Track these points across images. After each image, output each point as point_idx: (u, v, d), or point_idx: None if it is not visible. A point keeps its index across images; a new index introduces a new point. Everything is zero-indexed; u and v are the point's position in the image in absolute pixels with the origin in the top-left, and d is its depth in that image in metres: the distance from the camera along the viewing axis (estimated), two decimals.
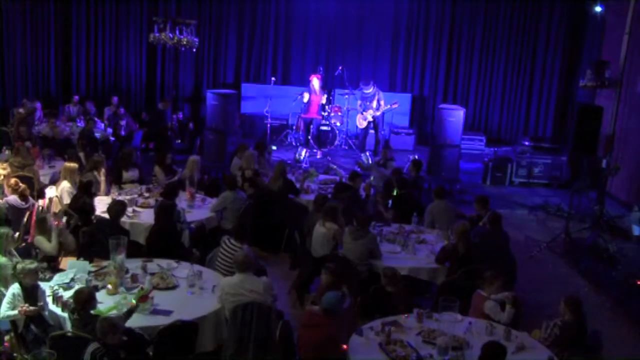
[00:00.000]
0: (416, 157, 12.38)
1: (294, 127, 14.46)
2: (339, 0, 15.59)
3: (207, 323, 5.62)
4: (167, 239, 7.03)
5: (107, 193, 8.86)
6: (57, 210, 8.29)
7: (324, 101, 13.87)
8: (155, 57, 16.28)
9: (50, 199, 8.49)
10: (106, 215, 7.23)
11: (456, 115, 12.95)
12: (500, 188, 13.19)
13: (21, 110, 12.93)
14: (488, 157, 13.98)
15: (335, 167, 12.36)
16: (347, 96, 14.18)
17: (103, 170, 9.09)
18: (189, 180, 9.10)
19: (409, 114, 15.58)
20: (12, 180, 8.13)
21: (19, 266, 5.58)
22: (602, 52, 13.84)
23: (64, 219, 7.41)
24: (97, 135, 12.26)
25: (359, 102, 13.59)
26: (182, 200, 8.34)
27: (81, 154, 10.76)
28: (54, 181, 9.46)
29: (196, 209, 8.45)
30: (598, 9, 13.07)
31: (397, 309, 5.84)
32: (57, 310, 5.52)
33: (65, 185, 8.55)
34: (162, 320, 5.37)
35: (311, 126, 13.79)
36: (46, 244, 6.76)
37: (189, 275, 6.08)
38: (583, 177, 11.15)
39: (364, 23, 15.77)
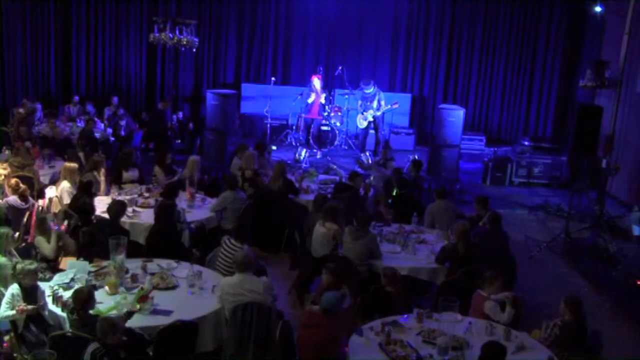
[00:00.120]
0: (416, 157, 12.38)
1: (294, 127, 14.45)
2: (339, 0, 15.59)
3: (207, 323, 5.62)
4: (167, 239, 7.03)
5: (107, 193, 8.86)
6: (57, 211, 8.30)
7: (323, 101, 13.87)
8: (155, 57, 16.27)
9: (50, 199, 8.49)
10: (106, 215, 7.23)
11: (456, 115, 12.96)
12: (500, 188, 13.19)
13: (21, 110, 12.94)
14: (488, 157, 13.98)
15: (335, 167, 12.36)
16: (347, 96, 14.18)
17: (103, 171, 9.10)
18: (189, 180, 9.10)
19: (409, 114, 15.58)
20: (13, 181, 8.13)
21: (19, 266, 5.57)
22: (602, 52, 13.84)
23: (65, 222, 7.37)
24: (97, 135, 12.26)
25: (360, 102, 13.58)
26: (182, 200, 8.34)
27: (81, 154, 10.76)
28: (54, 181, 9.46)
29: (196, 209, 8.45)
30: (598, 9, 13.06)
31: (397, 309, 5.84)
32: (57, 310, 5.52)
33: (65, 185, 8.56)
34: (162, 320, 5.37)
35: (312, 126, 13.78)
36: (45, 246, 6.74)
37: (189, 275, 6.08)
38: (583, 177, 11.14)
39: (364, 23, 15.77)
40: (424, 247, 7.50)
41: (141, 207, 8.26)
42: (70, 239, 7.13)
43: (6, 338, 5.61)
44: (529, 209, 11.93)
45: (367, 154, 13.08)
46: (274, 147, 13.39)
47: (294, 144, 14.21)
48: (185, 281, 6.07)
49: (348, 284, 6.01)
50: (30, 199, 8.09)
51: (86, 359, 4.63)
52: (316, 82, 13.81)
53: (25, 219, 7.71)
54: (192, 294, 5.95)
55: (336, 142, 13.92)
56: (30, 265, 5.61)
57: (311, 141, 13.79)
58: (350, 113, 14.21)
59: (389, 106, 13.45)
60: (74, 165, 8.91)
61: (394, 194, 9.10)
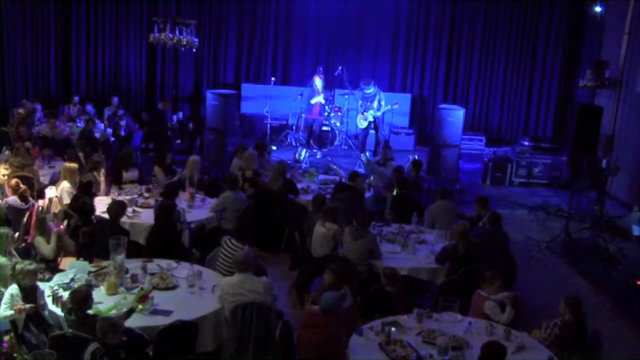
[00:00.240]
0: (416, 157, 12.38)
1: (294, 127, 14.45)
2: (339, 0, 15.59)
3: (207, 323, 5.62)
4: (167, 239, 7.03)
5: (107, 193, 8.86)
6: (57, 211, 8.30)
7: (323, 101, 13.87)
8: (155, 57, 16.28)
9: (50, 199, 8.49)
10: (106, 215, 7.23)
11: (456, 115, 12.96)
12: (500, 188, 13.19)
13: (21, 110, 12.95)
14: (488, 157, 13.99)
15: (335, 167, 12.36)
16: (347, 96, 14.18)
17: (103, 171, 9.10)
18: (189, 181, 9.10)
19: (409, 114, 15.58)
20: (13, 181, 8.13)
21: (18, 267, 5.57)
22: (602, 52, 13.85)
23: (65, 222, 7.36)
24: (97, 135, 12.26)
25: (360, 102, 13.58)
26: (182, 200, 8.34)
27: (80, 154, 10.76)
28: (53, 181, 9.46)
29: (196, 209, 8.45)
30: (598, 9, 13.07)
31: (397, 309, 5.84)
32: (57, 310, 5.51)
33: (65, 185, 8.56)
34: (162, 320, 5.37)
35: (314, 126, 13.76)
36: (44, 246, 6.72)
37: (189, 275, 6.08)
38: (583, 177, 11.14)
39: (364, 23, 15.77)
40: (424, 247, 7.49)
41: (141, 207, 8.26)
42: (69, 239, 7.13)
43: (6, 338, 5.60)
44: (529, 209, 11.94)
45: (367, 154, 13.09)
46: (274, 147, 13.39)
47: (294, 144, 14.21)
48: (185, 281, 6.07)
49: (348, 284, 6.01)
50: (30, 199, 8.09)
51: (86, 359, 4.63)
52: (318, 81, 13.81)
53: (25, 219, 7.71)
54: (192, 294, 5.95)
55: (336, 142, 13.91)
56: (30, 265, 5.61)
57: (311, 141, 13.78)
58: (350, 113, 14.21)
59: (389, 106, 13.44)
60: (74, 165, 8.91)
61: (394, 193, 9.10)
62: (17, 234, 7.09)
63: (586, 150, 10.17)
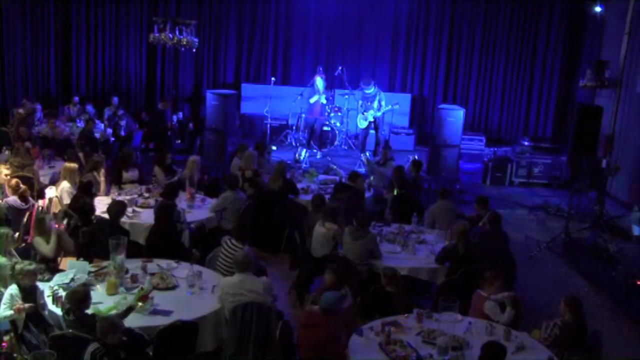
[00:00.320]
0: (416, 157, 12.39)
1: (294, 127, 14.45)
2: (339, 0, 15.59)
3: (207, 323, 5.62)
4: (167, 239, 7.03)
5: (107, 193, 8.86)
6: (57, 211, 8.30)
7: (324, 101, 13.87)
8: (155, 57, 16.29)
9: (50, 199, 8.49)
10: (106, 215, 7.22)
11: (456, 115, 12.96)
12: (500, 188, 13.20)
13: (21, 110, 12.95)
14: (488, 157, 13.99)
15: (335, 167, 12.37)
16: (347, 96, 14.18)
17: (102, 171, 9.10)
18: (189, 181, 9.10)
19: (408, 114, 15.58)
20: (13, 181, 8.13)
21: (18, 267, 5.57)
22: (602, 52, 13.85)
23: (64, 221, 7.36)
24: (97, 135, 12.26)
25: (360, 102, 13.58)
26: (182, 201, 8.34)
27: (80, 155, 10.76)
28: (53, 181, 9.46)
29: (196, 209, 8.44)
30: (598, 9, 13.07)
31: (397, 309, 5.84)
32: (57, 310, 5.51)
33: (65, 185, 8.56)
34: (162, 320, 5.37)
35: (315, 126, 13.75)
36: (44, 246, 6.70)
37: (189, 275, 6.08)
38: (583, 177, 11.14)
39: (364, 23, 15.77)
40: (424, 247, 7.49)
41: (141, 207, 8.26)
42: (68, 238, 7.12)
43: (6, 338, 5.60)
44: (529, 209, 11.94)
45: (367, 154, 13.09)
46: (274, 147, 13.39)
47: (294, 144, 14.21)
48: (185, 281, 6.07)
49: (348, 284, 6.01)
50: (30, 199, 8.09)
51: (86, 359, 4.63)
52: (319, 81, 13.81)
53: (25, 220, 7.71)
54: (192, 294, 5.95)
55: (336, 142, 13.91)
56: (29, 265, 5.61)
57: (312, 141, 13.78)
58: (350, 113, 14.21)
59: (390, 107, 13.44)
60: (73, 165, 8.91)
61: (394, 193, 9.10)
62: (17, 234, 7.09)
63: (586, 150, 10.17)
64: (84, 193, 8.02)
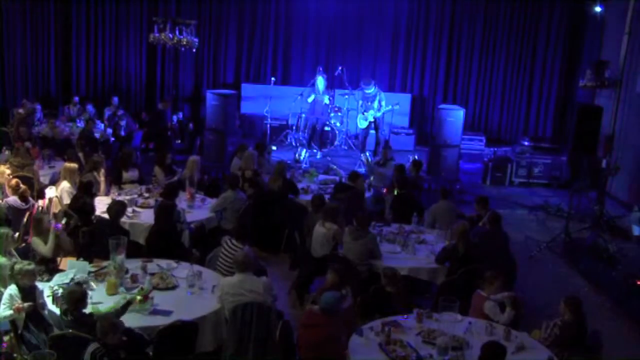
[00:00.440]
0: (416, 157, 12.38)
1: (294, 127, 14.45)
2: (339, 0, 15.59)
3: (207, 323, 5.62)
4: (167, 239, 7.03)
5: (107, 193, 8.86)
6: (57, 211, 8.30)
7: (327, 101, 13.86)
8: (155, 57, 16.28)
9: (50, 199, 8.49)
10: (106, 215, 7.22)
11: (456, 115, 12.96)
12: (500, 188, 13.20)
13: (21, 110, 12.96)
14: (488, 157, 13.98)
15: (335, 167, 12.36)
16: (347, 96, 14.18)
17: (102, 171, 9.10)
18: (188, 181, 9.10)
19: (409, 114, 15.58)
20: (13, 181, 8.13)
21: (17, 267, 5.56)
22: (602, 52, 13.85)
23: (63, 221, 7.33)
24: (97, 135, 12.26)
25: (360, 102, 13.57)
26: (182, 201, 8.34)
27: (80, 154, 10.76)
28: (54, 181, 9.46)
29: (196, 209, 8.45)
30: (598, 9, 13.07)
31: (397, 309, 5.84)
32: (57, 310, 5.50)
33: (65, 185, 8.56)
34: (162, 320, 5.37)
35: (317, 126, 13.75)
36: (42, 247, 6.66)
37: (189, 275, 6.08)
38: (583, 177, 11.15)
39: (364, 23, 15.77)
40: (424, 247, 7.49)
41: (141, 207, 8.26)
42: (67, 237, 7.11)
43: (6, 338, 5.60)
44: (529, 209, 11.94)
45: (367, 154, 13.08)
46: (274, 147, 13.39)
47: (294, 144, 14.21)
48: (185, 281, 6.07)
49: (349, 284, 6.01)
50: (30, 199, 8.09)
51: (86, 359, 4.63)
52: (320, 81, 13.82)
53: (25, 220, 7.70)
54: (192, 294, 5.95)
55: (336, 142, 13.91)
56: (28, 265, 5.60)
57: (313, 142, 13.78)
58: (350, 113, 14.21)
59: (390, 107, 13.44)
60: (73, 165, 8.91)
61: (394, 193, 9.10)
62: (17, 234, 7.08)
63: (586, 150, 10.17)
64: (84, 193, 8.02)
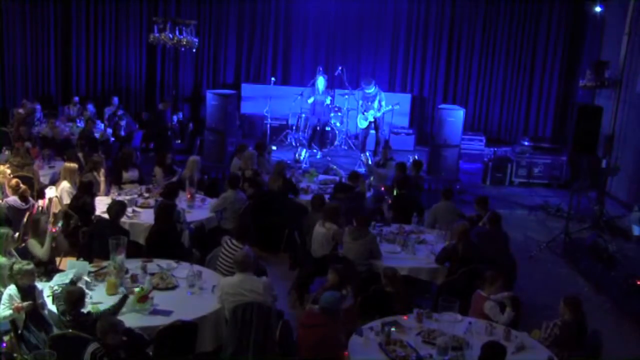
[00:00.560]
0: (416, 157, 12.38)
1: (294, 127, 14.46)
2: (339, 0, 15.59)
3: (207, 323, 5.62)
4: (167, 239, 7.03)
5: (107, 193, 8.86)
6: (56, 211, 8.30)
7: (328, 101, 13.86)
8: (155, 57, 16.28)
9: (50, 199, 8.49)
10: (106, 215, 7.22)
11: (456, 115, 12.95)
12: (500, 188, 13.19)
13: (21, 110, 12.96)
14: (488, 157, 13.98)
15: (335, 167, 12.36)
16: (347, 96, 14.18)
17: (102, 171, 9.11)
18: (188, 181, 9.10)
19: (409, 114, 15.57)
20: (13, 181, 8.13)
21: (16, 267, 5.56)
22: (602, 52, 13.85)
23: (60, 224, 7.25)
24: (97, 135, 12.26)
25: (360, 102, 13.57)
26: (182, 201, 8.34)
27: (80, 154, 10.76)
28: (53, 181, 9.46)
29: (196, 209, 8.45)
30: (598, 9, 13.08)
31: (397, 309, 5.84)
32: (56, 310, 5.51)
33: (65, 185, 8.56)
34: (162, 320, 5.38)
35: (318, 127, 13.75)
36: (38, 249, 6.59)
37: (189, 275, 6.08)
38: (583, 177, 11.15)
39: (364, 23, 15.76)
40: (424, 247, 7.50)
41: (141, 207, 8.26)
42: (63, 239, 7.09)
43: (6, 338, 5.60)
44: (529, 209, 11.94)
45: (367, 154, 13.08)
46: (274, 147, 13.39)
47: (294, 144, 14.21)
48: (185, 281, 6.07)
49: (350, 285, 6.01)
50: (30, 199, 8.09)
51: (86, 359, 4.63)
52: (320, 81, 13.80)
53: (25, 220, 7.70)
54: (192, 294, 5.95)
55: (336, 142, 13.91)
56: (27, 265, 5.60)
57: (313, 142, 13.78)
58: (350, 113, 14.21)
59: (390, 107, 13.45)
60: (73, 165, 8.91)
61: (394, 194, 9.10)
62: (17, 234, 7.08)
63: (586, 150, 10.15)
64: (85, 193, 8.03)
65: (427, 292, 7.26)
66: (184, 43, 12.92)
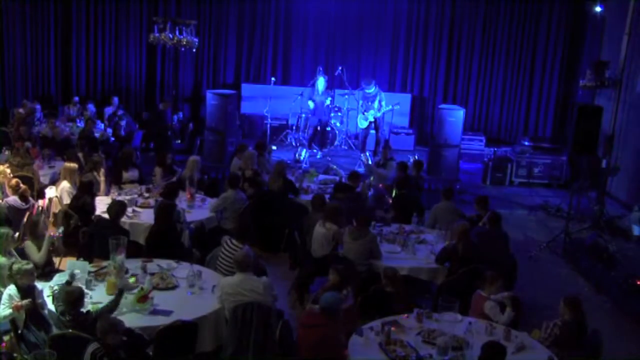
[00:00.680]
0: (416, 157, 12.38)
1: (294, 127, 14.46)
2: (339, 0, 15.59)
3: (207, 323, 5.63)
4: (167, 239, 7.03)
5: (107, 193, 8.86)
6: (56, 211, 8.30)
7: (328, 102, 13.85)
8: (155, 57, 16.29)
9: (50, 199, 8.49)
10: (106, 215, 7.22)
11: (456, 115, 12.95)
12: (500, 188, 13.19)
13: (21, 110, 12.96)
14: (488, 157, 13.98)
15: (335, 167, 12.37)
16: (347, 96, 14.18)
17: (102, 171, 9.11)
18: (188, 181, 9.10)
19: (409, 114, 15.57)
20: (13, 181, 8.13)
21: (15, 267, 5.55)
22: (602, 52, 13.84)
23: (60, 229, 7.22)
24: (97, 135, 12.26)
25: (360, 101, 13.57)
26: (182, 201, 8.34)
27: (80, 154, 10.76)
28: (53, 181, 9.46)
29: (196, 209, 8.45)
30: (598, 9, 13.08)
31: (397, 309, 5.84)
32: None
33: (65, 185, 8.56)
34: (162, 320, 5.37)
35: (319, 127, 13.75)
36: (35, 254, 6.55)
37: (189, 275, 6.08)
38: (583, 177, 11.15)
39: (364, 23, 15.77)
40: (424, 247, 7.50)
41: (141, 207, 8.26)
42: (62, 245, 7.06)
43: (6, 338, 5.60)
44: (529, 209, 11.94)
45: (367, 154, 13.07)
46: (274, 147, 13.39)
47: (294, 144, 14.21)
48: (185, 281, 6.08)
49: (350, 285, 6.01)
50: (30, 199, 8.09)
51: (86, 359, 4.63)
52: (320, 82, 13.80)
53: (25, 219, 7.70)
54: (192, 294, 5.95)
55: (336, 142, 13.92)
56: (27, 265, 5.60)
57: (313, 142, 13.77)
58: (350, 113, 14.21)
59: (390, 107, 13.44)
60: (73, 165, 8.91)
61: (394, 194, 9.10)
62: (17, 234, 7.08)
63: (586, 150, 10.15)
64: (85, 193, 8.03)
65: (427, 292, 7.25)
66: (184, 43, 12.91)
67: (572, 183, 11.81)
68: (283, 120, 15.04)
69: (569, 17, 15.04)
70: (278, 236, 8.68)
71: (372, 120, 13.37)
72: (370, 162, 12.35)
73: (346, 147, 14.35)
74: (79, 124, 13.04)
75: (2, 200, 7.94)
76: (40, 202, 8.50)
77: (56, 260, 7.14)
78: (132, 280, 5.88)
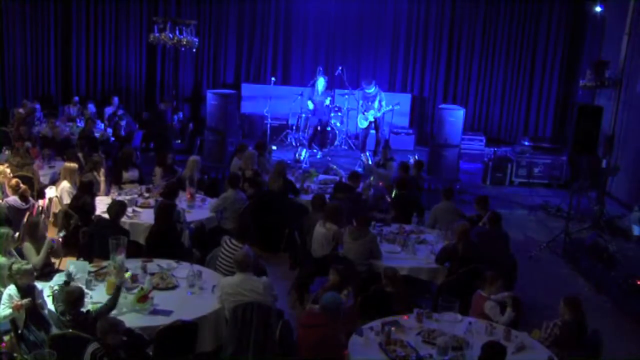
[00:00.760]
0: (416, 157, 12.38)
1: (294, 127, 14.46)
2: (339, 0, 15.59)
3: (207, 323, 5.63)
4: (167, 239, 7.03)
5: (107, 193, 8.86)
6: (57, 211, 8.30)
7: (327, 102, 13.86)
8: (155, 57, 16.29)
9: (50, 199, 8.49)
10: (106, 215, 7.22)
11: (456, 115, 12.96)
12: (500, 188, 13.19)
13: (21, 110, 12.96)
14: (488, 157, 13.98)
15: (335, 167, 12.37)
16: (347, 96, 14.18)
17: (102, 171, 9.11)
18: (188, 181, 9.10)
19: (409, 114, 15.58)
20: (14, 181, 8.13)
21: (15, 267, 5.55)
22: (602, 52, 13.85)
23: (61, 233, 7.20)
24: (97, 135, 12.26)
25: (361, 101, 13.58)
26: (182, 201, 8.34)
27: (80, 155, 10.76)
28: (53, 181, 9.46)
29: (196, 209, 8.45)
30: (598, 9, 13.08)
31: (397, 309, 5.84)
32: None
33: (65, 185, 8.56)
34: (162, 320, 5.37)
35: (319, 127, 13.74)
36: (32, 254, 6.52)
37: (189, 275, 6.08)
38: (583, 177, 11.15)
39: (364, 23, 15.78)
40: (424, 247, 7.50)
41: (141, 207, 8.26)
42: (61, 249, 7.05)
43: (6, 338, 5.60)
44: (529, 209, 11.94)
45: (367, 154, 13.08)
46: (274, 147, 13.39)
47: (294, 144, 14.21)
48: (185, 281, 6.08)
49: (351, 285, 6.01)
50: (30, 199, 8.09)
51: (86, 359, 4.63)
52: (320, 82, 13.80)
53: (25, 219, 7.70)
54: (192, 294, 5.95)
55: (336, 142, 13.92)
56: (27, 265, 5.60)
57: (313, 143, 13.77)
58: (350, 113, 14.20)
59: (390, 107, 13.44)
60: (73, 165, 8.91)
61: (394, 194, 9.10)
62: (17, 233, 7.08)
63: (586, 151, 10.15)
64: (85, 193, 8.03)
65: (427, 292, 7.25)
66: (184, 43, 12.92)
67: (572, 183, 11.81)
68: (283, 120, 15.04)
69: (569, 17, 15.05)
70: (278, 236, 8.68)
71: (372, 120, 13.37)
72: (370, 162, 12.35)
73: (346, 147, 14.35)
74: (79, 124, 13.04)
75: (2, 200, 7.94)
76: (40, 202, 8.50)
77: (56, 261, 7.13)
78: (127, 275, 5.86)
